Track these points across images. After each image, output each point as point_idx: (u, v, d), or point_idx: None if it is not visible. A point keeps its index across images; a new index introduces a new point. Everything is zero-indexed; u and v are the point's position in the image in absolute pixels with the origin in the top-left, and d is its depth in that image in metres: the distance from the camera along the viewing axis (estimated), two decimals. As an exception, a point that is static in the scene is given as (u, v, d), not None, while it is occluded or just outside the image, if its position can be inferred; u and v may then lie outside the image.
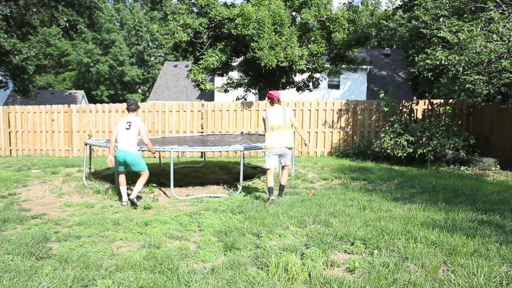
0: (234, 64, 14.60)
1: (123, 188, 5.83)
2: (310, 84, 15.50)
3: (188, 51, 13.80)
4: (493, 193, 5.68)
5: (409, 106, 10.96)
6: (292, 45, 11.88)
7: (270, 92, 5.81)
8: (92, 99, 39.25)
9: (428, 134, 9.23)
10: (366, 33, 13.00)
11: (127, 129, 5.62)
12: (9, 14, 19.40)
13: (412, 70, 10.33)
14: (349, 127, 11.33)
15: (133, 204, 5.53)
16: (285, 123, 5.62)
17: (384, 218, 4.38)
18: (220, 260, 3.46)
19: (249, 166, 9.01)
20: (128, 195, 5.81)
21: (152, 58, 44.24)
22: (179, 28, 12.39)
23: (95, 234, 4.21)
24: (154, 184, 6.46)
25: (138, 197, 5.85)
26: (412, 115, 10.94)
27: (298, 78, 16.11)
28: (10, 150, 12.95)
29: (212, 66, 12.29)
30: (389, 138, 9.42)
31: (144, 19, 42.41)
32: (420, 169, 8.80)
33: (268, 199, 5.49)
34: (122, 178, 5.86)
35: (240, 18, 11.40)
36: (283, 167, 5.78)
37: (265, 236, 3.97)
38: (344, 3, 14.25)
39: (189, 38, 12.51)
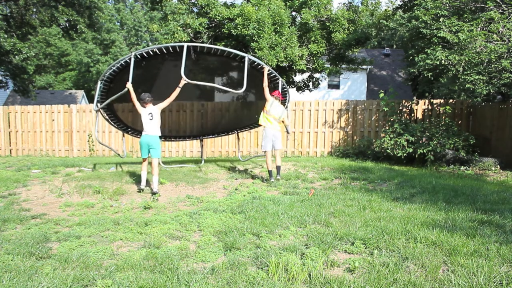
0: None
1: (144, 173, 6.57)
2: (310, 84, 15.50)
3: (188, 51, 13.80)
4: (493, 193, 5.68)
5: (409, 106, 10.96)
6: (292, 45, 11.88)
7: (275, 90, 7.34)
8: (92, 99, 39.17)
9: (428, 134, 9.23)
10: (366, 33, 13.00)
11: (150, 119, 6.48)
12: (9, 14, 19.39)
13: (412, 70, 10.34)
14: (349, 127, 11.33)
15: (154, 194, 6.22)
16: (278, 120, 7.19)
17: (384, 218, 4.38)
18: (220, 260, 3.46)
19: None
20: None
21: (152, 58, 44.17)
22: (179, 28, 12.39)
23: (95, 234, 4.21)
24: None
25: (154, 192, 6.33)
26: (412, 115, 10.94)
27: (298, 78, 16.10)
28: (10, 150, 12.95)
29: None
30: (389, 138, 9.42)
31: (144, 19, 42.38)
32: (420, 169, 8.80)
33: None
34: (145, 164, 6.60)
35: (240, 18, 11.40)
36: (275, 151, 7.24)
37: (265, 236, 3.97)
38: (344, 3, 14.25)
39: (189, 38, 12.51)
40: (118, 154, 8.62)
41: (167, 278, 3.03)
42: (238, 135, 9.78)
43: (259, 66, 7.37)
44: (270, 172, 7.05)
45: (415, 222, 4.21)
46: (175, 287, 2.91)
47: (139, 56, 6.90)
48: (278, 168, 7.16)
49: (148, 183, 6.81)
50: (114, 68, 7.10)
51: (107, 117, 8.09)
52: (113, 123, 8.27)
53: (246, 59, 6.95)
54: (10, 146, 12.95)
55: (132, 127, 8.71)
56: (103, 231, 4.34)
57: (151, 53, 6.96)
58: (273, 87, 7.90)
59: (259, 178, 7.44)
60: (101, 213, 5.21)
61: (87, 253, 3.56)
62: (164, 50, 6.92)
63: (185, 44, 6.63)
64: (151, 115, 6.46)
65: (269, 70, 7.33)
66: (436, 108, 10.76)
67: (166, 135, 10.21)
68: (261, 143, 7.14)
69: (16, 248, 3.62)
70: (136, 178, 7.39)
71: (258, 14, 11.24)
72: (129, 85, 6.50)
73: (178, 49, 6.83)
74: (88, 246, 3.80)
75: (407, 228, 3.99)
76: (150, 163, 6.64)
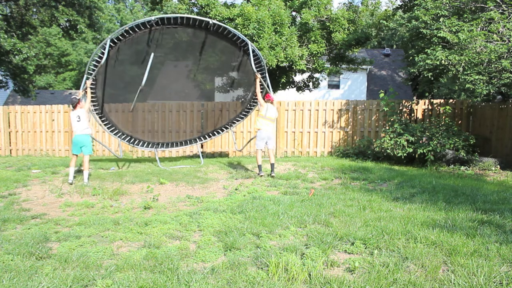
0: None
1: (72, 169, 7.12)
2: (310, 84, 15.50)
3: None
4: (493, 193, 5.68)
5: (409, 106, 10.96)
6: (292, 45, 11.88)
7: (267, 94, 7.98)
8: (92, 99, 39.15)
9: (428, 134, 9.22)
10: (366, 33, 13.00)
11: (78, 121, 7.20)
12: (9, 14, 19.38)
13: (412, 70, 10.33)
14: (349, 127, 11.33)
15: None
16: (274, 120, 7.95)
17: (384, 218, 4.38)
18: (220, 260, 3.46)
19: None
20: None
21: (152, 58, 44.18)
22: (179, 28, 12.38)
23: (95, 234, 4.21)
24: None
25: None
26: (412, 115, 10.93)
27: (298, 78, 16.10)
28: (10, 150, 12.95)
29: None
30: (389, 138, 9.41)
31: (144, 19, 42.36)
32: (420, 169, 8.79)
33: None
34: (74, 160, 7.21)
35: (240, 18, 11.40)
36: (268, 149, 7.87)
37: (265, 236, 3.97)
38: (344, 3, 14.25)
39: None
40: (115, 154, 8.73)
41: (167, 278, 3.03)
42: (237, 118, 10.40)
43: (221, 29, 8.80)
44: (259, 166, 7.70)
45: (415, 222, 4.22)
46: (175, 287, 2.91)
47: (116, 40, 7.99)
48: (272, 165, 7.68)
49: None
50: (96, 58, 8.05)
51: (100, 121, 8.65)
52: (104, 125, 8.82)
53: (211, 22, 8.43)
54: (10, 146, 12.95)
55: (125, 131, 9.19)
56: (103, 231, 4.34)
57: (126, 34, 8.03)
58: (243, 53, 8.99)
59: (259, 178, 7.45)
60: (101, 213, 5.21)
61: (87, 253, 3.56)
62: (136, 29, 8.06)
63: (153, 17, 7.99)
64: (78, 117, 7.20)
65: (237, 37, 8.70)
66: (436, 108, 10.76)
67: (166, 141, 10.39)
68: (255, 142, 7.92)
69: (16, 248, 3.62)
70: (135, 178, 7.40)
71: (258, 14, 11.24)
72: (88, 82, 7.71)
73: (147, 25, 8.03)
74: (88, 246, 3.80)
75: (407, 228, 3.99)
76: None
